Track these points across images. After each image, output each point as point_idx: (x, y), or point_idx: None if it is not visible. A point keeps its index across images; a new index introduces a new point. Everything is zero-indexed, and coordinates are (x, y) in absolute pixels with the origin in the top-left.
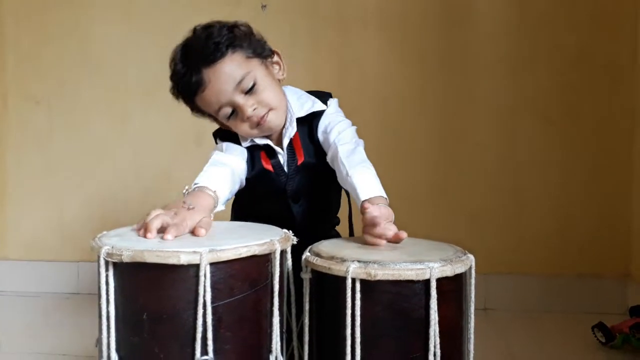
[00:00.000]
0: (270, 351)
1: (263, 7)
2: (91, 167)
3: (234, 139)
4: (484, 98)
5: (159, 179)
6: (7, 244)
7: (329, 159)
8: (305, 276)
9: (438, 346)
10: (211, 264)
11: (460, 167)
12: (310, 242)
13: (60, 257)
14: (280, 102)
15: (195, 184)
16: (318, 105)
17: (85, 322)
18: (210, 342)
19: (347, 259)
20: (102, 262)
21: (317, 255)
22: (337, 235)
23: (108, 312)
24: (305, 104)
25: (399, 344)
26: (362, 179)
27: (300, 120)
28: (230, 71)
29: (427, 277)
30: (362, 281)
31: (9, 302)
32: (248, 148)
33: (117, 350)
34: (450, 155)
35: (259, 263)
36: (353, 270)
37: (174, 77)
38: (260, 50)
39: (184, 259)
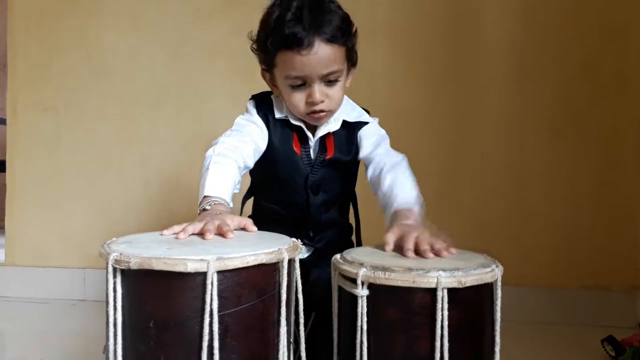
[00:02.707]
0: None
1: None
2: (98, 175)
3: (267, 106)
4: (491, 110)
5: (166, 187)
6: (15, 250)
7: (371, 171)
8: (363, 293)
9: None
10: (218, 272)
11: (467, 179)
12: (323, 240)
13: (67, 263)
14: (339, 106)
15: (205, 196)
16: (365, 117)
17: (91, 329)
18: (216, 352)
19: (430, 269)
20: (110, 269)
21: (382, 269)
22: (349, 239)
23: (115, 319)
24: (354, 111)
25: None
26: (401, 186)
27: (345, 123)
28: (331, 58)
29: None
30: (449, 290)
31: (16, 309)
32: (280, 121)
33: (124, 357)
34: (457, 167)
35: (267, 272)
36: (444, 280)
37: (278, 20)
38: (354, 58)
39: (191, 267)
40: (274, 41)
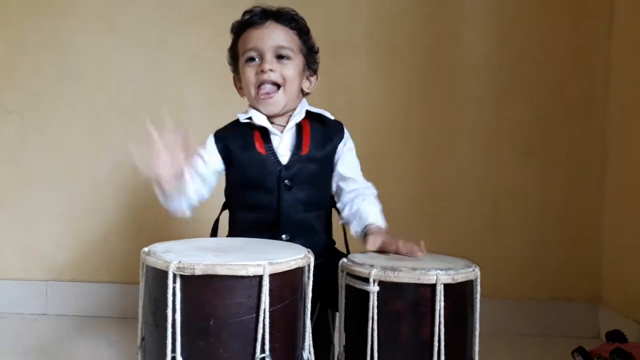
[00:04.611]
0: (303, 348)
1: None
2: (65, 183)
3: (225, 127)
4: (466, 127)
5: (138, 196)
6: None
7: (338, 179)
8: (374, 289)
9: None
10: (269, 275)
11: (442, 193)
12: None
13: (28, 276)
14: (291, 89)
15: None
16: (330, 115)
17: (54, 345)
18: (267, 342)
19: (429, 269)
20: (171, 275)
21: (391, 269)
22: (331, 247)
23: (174, 320)
24: (318, 109)
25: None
26: (370, 208)
27: (314, 117)
28: (282, 36)
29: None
30: (445, 285)
31: None
32: (242, 128)
33: (182, 353)
34: (433, 181)
35: (299, 273)
36: (441, 277)
37: (246, 13)
38: (310, 61)
39: (251, 271)
40: (238, 28)
